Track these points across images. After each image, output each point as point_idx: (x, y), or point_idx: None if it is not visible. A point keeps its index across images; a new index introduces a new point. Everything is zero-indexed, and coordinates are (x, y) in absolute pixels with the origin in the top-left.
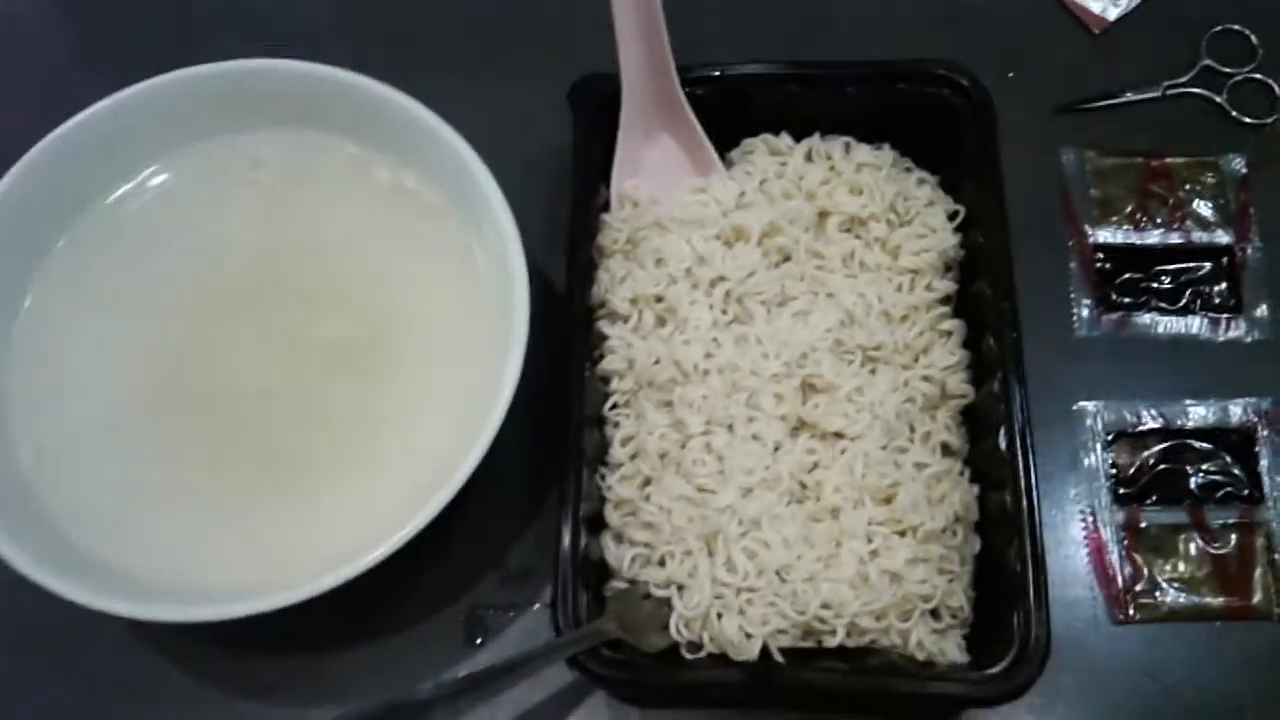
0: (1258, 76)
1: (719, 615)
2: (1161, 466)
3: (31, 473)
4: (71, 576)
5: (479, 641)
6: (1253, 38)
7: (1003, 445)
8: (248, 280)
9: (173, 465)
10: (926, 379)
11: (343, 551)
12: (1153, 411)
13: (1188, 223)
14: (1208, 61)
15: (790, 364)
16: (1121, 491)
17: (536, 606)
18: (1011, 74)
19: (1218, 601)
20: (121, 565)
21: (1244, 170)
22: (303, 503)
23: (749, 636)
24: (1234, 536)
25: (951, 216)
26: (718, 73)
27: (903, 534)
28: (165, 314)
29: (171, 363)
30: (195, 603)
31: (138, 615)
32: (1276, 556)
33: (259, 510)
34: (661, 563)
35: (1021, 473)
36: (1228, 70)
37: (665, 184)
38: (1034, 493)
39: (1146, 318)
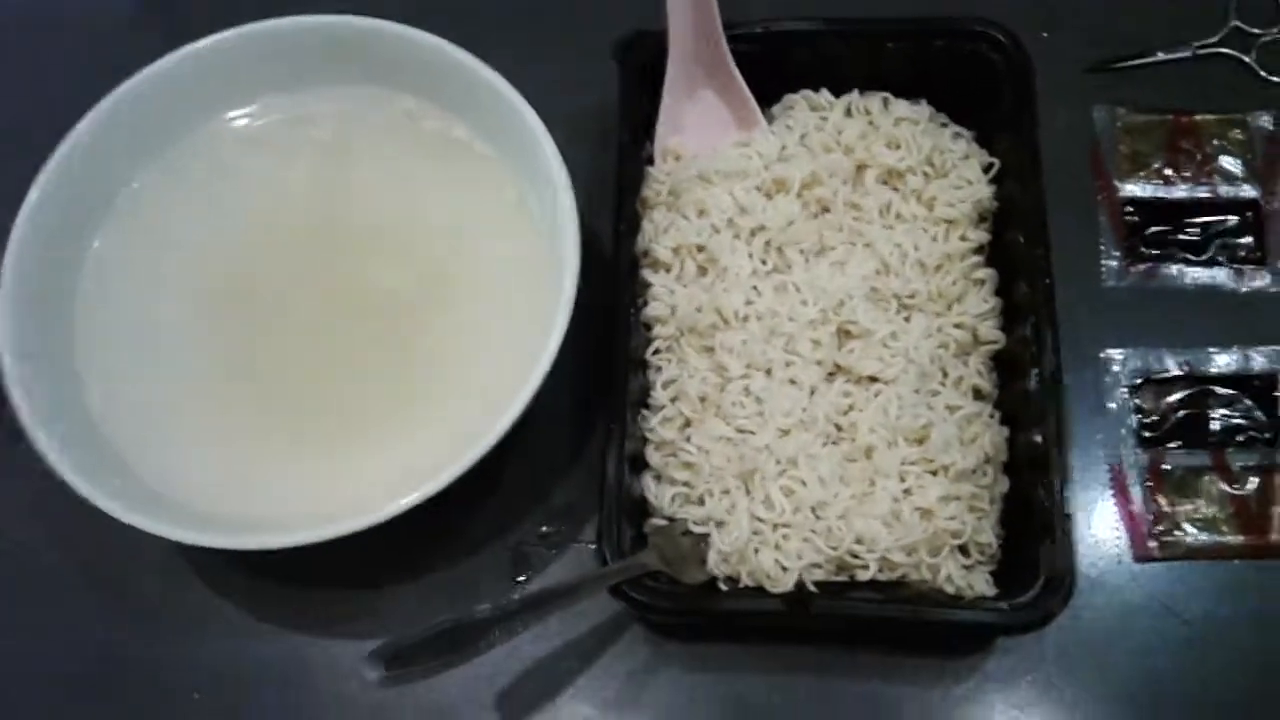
0: None
1: (756, 550)
2: (1185, 411)
3: (99, 411)
4: (138, 506)
5: (523, 579)
6: None
7: (1032, 387)
8: (307, 231)
9: (232, 403)
10: (959, 325)
11: (393, 488)
12: (1177, 359)
13: (1214, 177)
14: (1236, 22)
15: (827, 311)
16: (1146, 435)
17: (579, 544)
18: (1046, 34)
19: (1238, 540)
20: (185, 499)
21: (1271, 127)
22: (356, 441)
23: (784, 570)
24: (1255, 478)
25: (986, 169)
26: (760, 29)
27: (934, 473)
28: (228, 258)
29: (232, 308)
30: (254, 532)
31: (202, 542)
32: None
33: (314, 447)
34: (701, 501)
35: (1051, 414)
36: (1256, 31)
37: (708, 139)
38: (1063, 434)
39: (1173, 269)
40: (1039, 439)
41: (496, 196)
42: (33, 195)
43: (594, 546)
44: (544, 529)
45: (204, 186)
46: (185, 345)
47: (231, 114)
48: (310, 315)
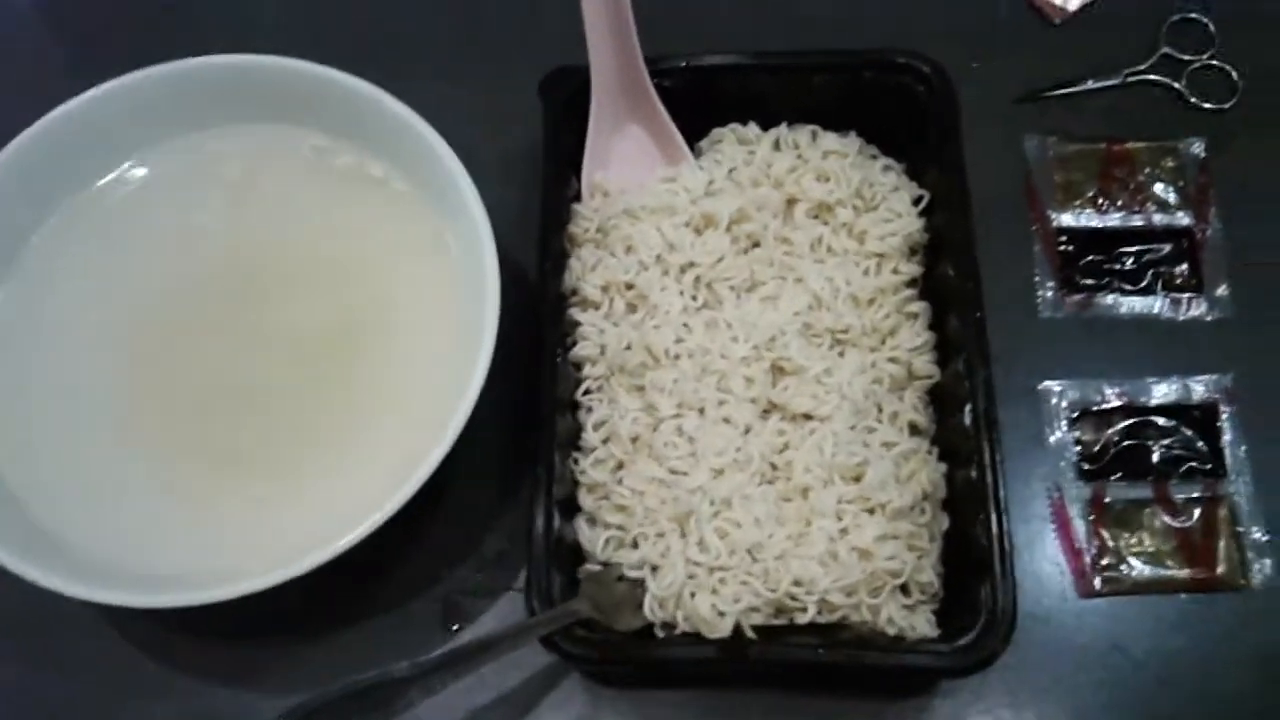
0: (1215, 63)
1: (692, 594)
2: (1126, 443)
3: (10, 477)
4: (46, 563)
5: (456, 628)
6: (1210, 25)
7: (968, 423)
8: (220, 273)
9: (147, 455)
10: (893, 360)
11: (316, 539)
12: (1116, 389)
13: (1148, 205)
14: (1166, 49)
15: (760, 347)
16: (1086, 468)
17: (512, 591)
18: (976, 64)
19: (1183, 573)
20: (96, 554)
21: (1203, 154)
22: (276, 490)
23: (722, 615)
24: (1198, 510)
25: (916, 201)
26: (685, 63)
27: (871, 511)
28: (138, 307)
29: (144, 355)
30: (169, 589)
31: (112, 601)
32: (1239, 529)
33: (233, 498)
34: (635, 544)
35: (986, 448)
36: (1186, 57)
37: (635, 174)
38: (998, 468)
39: (1109, 298)
40: (976, 475)
41: (414, 233)
42: None
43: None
44: (477, 576)
45: (109, 235)
46: (96, 398)
47: (133, 159)
48: (227, 361)
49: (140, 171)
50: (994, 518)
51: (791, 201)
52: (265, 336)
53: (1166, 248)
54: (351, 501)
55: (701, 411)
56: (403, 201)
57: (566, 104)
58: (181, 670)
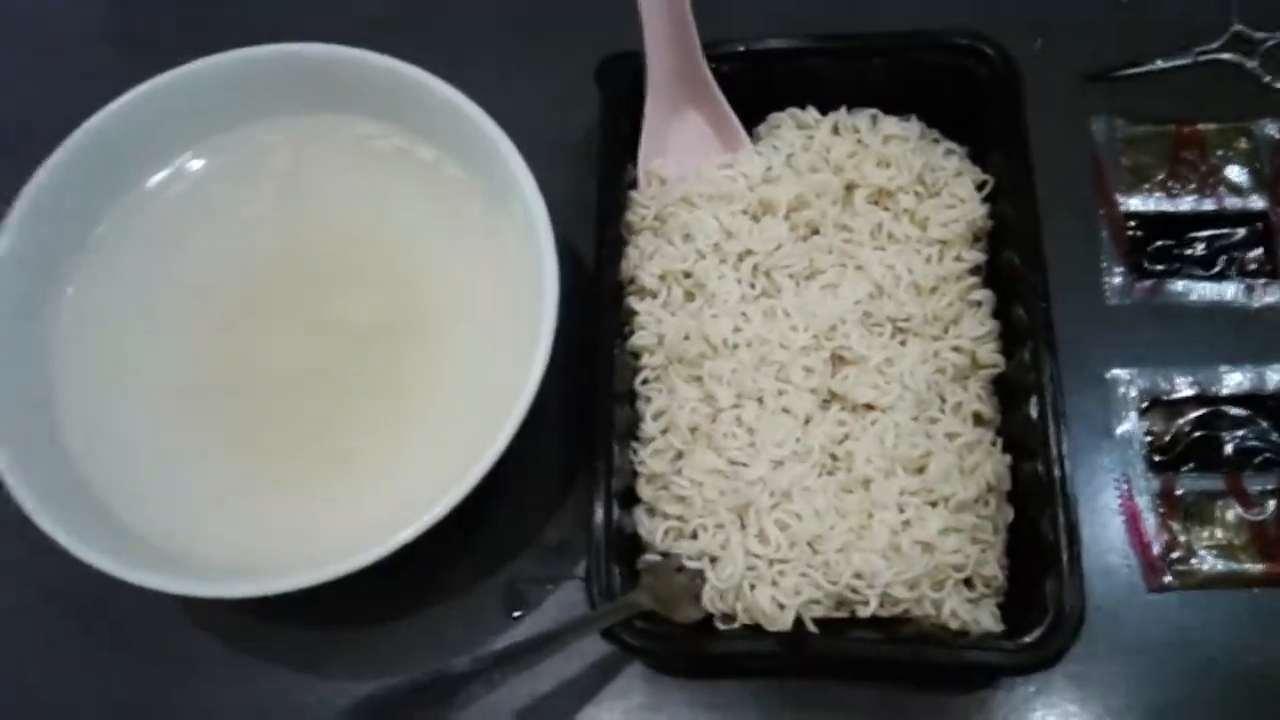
0: None
1: (751, 586)
2: (1197, 433)
3: (83, 461)
4: (125, 558)
5: (517, 615)
6: None
7: (1034, 414)
8: (280, 264)
9: (216, 446)
10: (957, 349)
11: (382, 526)
12: (1188, 378)
13: (1220, 189)
14: (1239, 27)
15: (819, 336)
16: (1157, 459)
17: (573, 580)
18: (1040, 42)
19: (1257, 568)
20: (172, 545)
21: (1277, 135)
22: (343, 481)
23: (782, 607)
24: (1273, 502)
25: (979, 187)
26: (742, 48)
27: (935, 504)
28: (202, 298)
29: (210, 346)
30: (244, 579)
31: (190, 592)
32: None
33: (302, 488)
34: (694, 535)
35: (1053, 441)
36: (1259, 35)
37: (692, 160)
38: (1065, 461)
39: (1180, 284)
40: (1042, 467)
41: (472, 222)
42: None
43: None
44: (539, 565)
45: (170, 227)
46: (165, 388)
47: (190, 152)
48: (290, 352)
49: (197, 164)
50: (1061, 512)
51: (851, 187)
52: (328, 328)
53: (1240, 232)
54: (414, 492)
55: (760, 401)
56: (455, 185)
57: (623, 90)
58: (250, 656)
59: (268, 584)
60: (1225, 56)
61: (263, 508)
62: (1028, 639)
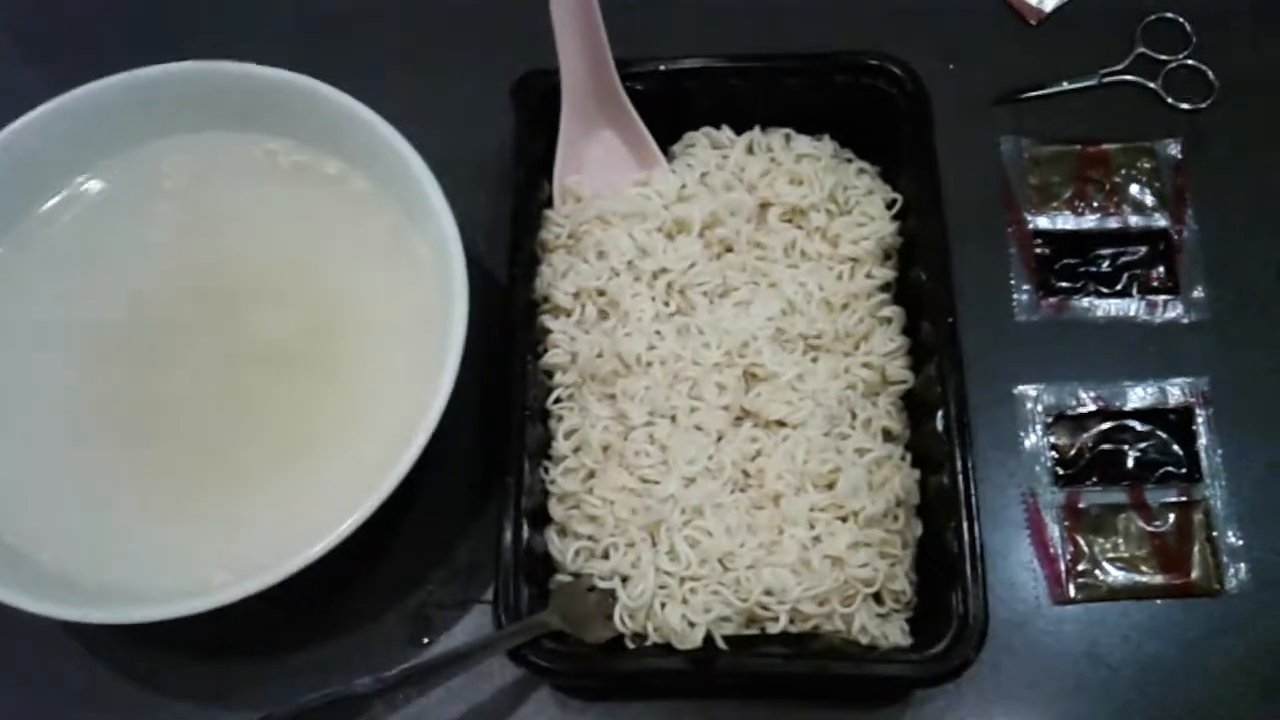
0: (1191, 63)
1: (662, 605)
2: (1101, 447)
3: None
4: (14, 583)
5: (426, 641)
6: (1186, 25)
7: (940, 428)
8: (183, 285)
9: (111, 470)
10: (867, 365)
11: (282, 552)
12: (1092, 394)
13: (1124, 207)
14: (1142, 49)
15: (732, 353)
16: (1061, 473)
17: (483, 604)
18: (951, 65)
19: (1158, 579)
20: (63, 571)
21: (1179, 155)
22: (241, 503)
23: (692, 625)
24: (1173, 515)
25: (890, 205)
26: (658, 67)
27: (844, 519)
28: (102, 320)
29: (108, 369)
30: (133, 604)
31: (74, 617)
32: (1214, 534)
33: (198, 511)
34: (605, 555)
35: (959, 454)
36: (1162, 57)
37: (607, 178)
38: (971, 474)
39: (1085, 301)
40: (948, 481)
41: (378, 234)
42: None
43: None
44: (447, 589)
45: (68, 250)
46: (59, 415)
47: (85, 174)
48: (192, 372)
49: (93, 186)
50: (965, 524)
51: (764, 206)
52: (230, 346)
53: (1143, 250)
54: (318, 514)
55: (673, 419)
56: (364, 201)
57: (538, 107)
58: (142, 687)
59: (160, 609)
60: (1130, 78)
61: (159, 532)
62: (932, 651)
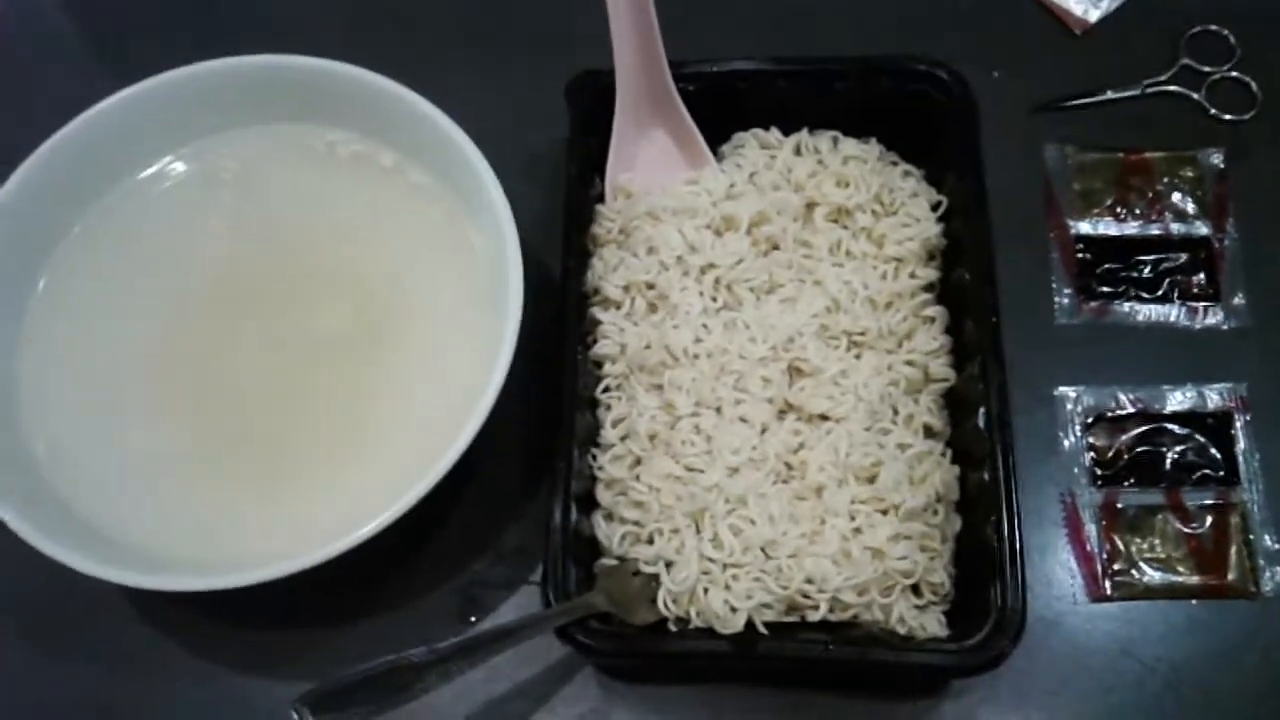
0: (1235, 75)
1: (705, 590)
2: (1139, 449)
3: (45, 463)
4: (89, 554)
5: (473, 620)
6: (1231, 37)
7: (982, 426)
8: (245, 270)
9: (179, 449)
10: (909, 363)
11: (338, 529)
12: (1131, 396)
13: (1166, 215)
14: (1186, 61)
15: (777, 348)
16: (1100, 473)
17: (530, 585)
18: (996, 73)
19: (1194, 580)
20: (131, 542)
21: (1221, 165)
22: (302, 485)
23: (734, 610)
24: (1210, 517)
25: (935, 207)
26: (710, 69)
27: (885, 512)
28: (168, 302)
29: (176, 352)
30: (195, 573)
31: (146, 585)
32: (1251, 536)
33: (258, 487)
34: (650, 540)
35: (999, 450)
36: (1206, 69)
37: (658, 176)
38: (1011, 469)
39: (1126, 306)
40: (989, 476)
41: (438, 229)
42: None
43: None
44: (495, 570)
45: (141, 232)
46: (128, 388)
47: (167, 158)
48: (252, 357)
49: (168, 172)
50: (1005, 519)
51: (811, 205)
52: (292, 331)
53: (1183, 257)
54: (372, 495)
55: (719, 410)
56: (421, 193)
57: (592, 106)
58: (201, 655)
59: (220, 579)
60: (1173, 89)
61: (222, 509)
62: (970, 641)
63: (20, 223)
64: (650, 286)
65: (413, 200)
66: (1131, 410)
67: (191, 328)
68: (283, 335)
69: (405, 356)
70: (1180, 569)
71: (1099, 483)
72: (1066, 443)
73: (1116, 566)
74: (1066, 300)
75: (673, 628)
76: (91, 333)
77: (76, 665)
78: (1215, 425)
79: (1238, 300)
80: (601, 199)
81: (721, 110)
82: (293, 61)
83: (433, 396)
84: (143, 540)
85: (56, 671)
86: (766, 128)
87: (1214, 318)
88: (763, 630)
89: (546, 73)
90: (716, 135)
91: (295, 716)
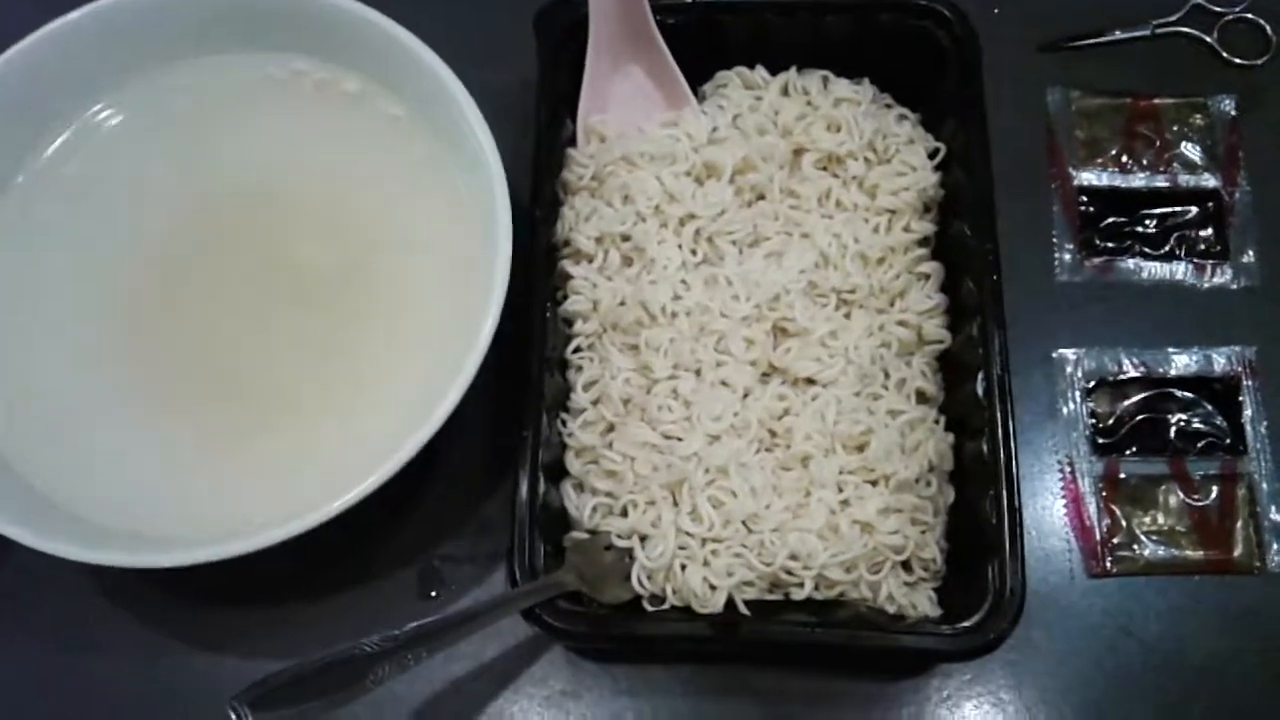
0: (1249, 16)
1: (683, 566)
2: (1142, 416)
3: (4, 439)
4: (35, 525)
5: (434, 595)
6: None
7: (979, 392)
8: (217, 212)
9: (145, 411)
10: (902, 323)
11: (310, 500)
12: (1134, 359)
13: (1174, 165)
14: (1198, 0)
15: (761, 307)
16: (1100, 441)
17: (494, 559)
18: (997, 9)
19: (1197, 555)
20: (87, 514)
21: (1233, 112)
22: (274, 446)
23: (713, 588)
24: (1215, 488)
25: (932, 155)
26: (691, 0)
27: (874, 483)
28: (131, 254)
29: (141, 301)
30: (155, 549)
31: (94, 560)
32: (1258, 509)
33: (233, 453)
34: (624, 512)
35: (999, 420)
36: (1218, 9)
37: (634, 118)
38: (1011, 441)
39: (1130, 263)
40: (987, 447)
41: (412, 159)
42: None
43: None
44: (459, 543)
45: (96, 177)
46: (85, 348)
47: (108, 98)
48: (226, 306)
49: (117, 110)
50: (1005, 493)
51: (799, 152)
52: (264, 280)
53: (1192, 211)
54: (330, 469)
55: (698, 373)
56: (397, 124)
57: (563, 40)
58: (158, 633)
59: (176, 555)
60: (1184, 30)
61: (184, 473)
62: (966, 623)
63: None
64: (625, 238)
65: (389, 134)
66: (1135, 374)
67: (161, 277)
68: (257, 284)
69: (386, 305)
70: (1183, 543)
71: (1099, 451)
72: (1065, 408)
73: (1116, 540)
74: (1068, 256)
75: (648, 606)
76: (46, 296)
77: (25, 643)
78: (1222, 391)
79: (1247, 258)
80: (573, 142)
81: (703, 46)
82: None
83: (418, 347)
84: (99, 515)
85: (12, 646)
86: (752, 66)
87: (1222, 276)
88: (744, 609)
89: (514, 3)
90: (698, 74)
91: (234, 716)
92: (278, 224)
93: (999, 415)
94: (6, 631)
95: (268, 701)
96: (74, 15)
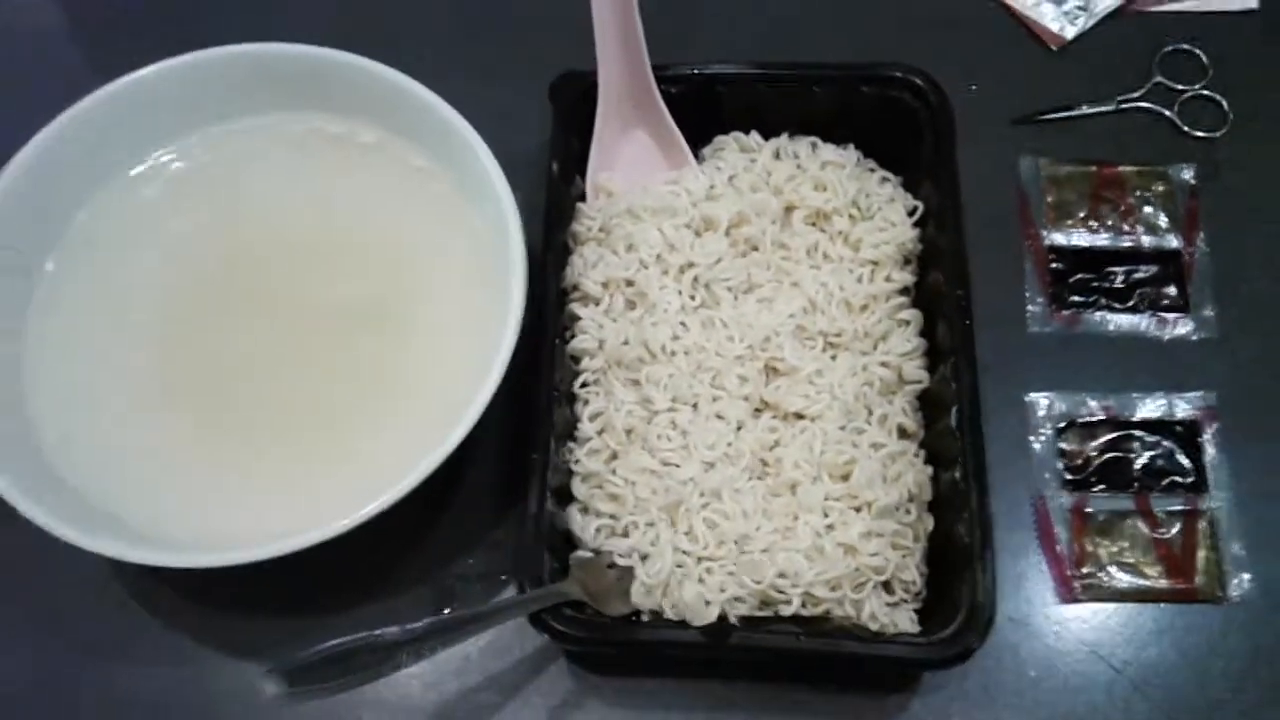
0: (1207, 93)
1: (680, 583)
2: (1109, 455)
3: (57, 454)
4: (60, 512)
5: (448, 612)
6: (1203, 57)
7: (954, 425)
8: (251, 256)
9: (185, 433)
10: (884, 364)
11: (318, 517)
12: (1101, 403)
13: (1138, 227)
14: (1160, 79)
15: (754, 347)
16: (1070, 478)
17: (504, 577)
18: (974, 86)
19: (1162, 584)
20: (128, 521)
21: (1193, 180)
22: (287, 467)
23: (707, 604)
24: (1178, 523)
25: (911, 212)
26: (692, 71)
27: (858, 509)
28: (175, 286)
29: (179, 332)
30: (182, 550)
31: (121, 556)
32: (1219, 542)
33: (242, 472)
34: (625, 533)
35: (970, 449)
36: (1179, 87)
37: (639, 176)
38: (982, 467)
39: (1097, 315)
40: (960, 474)
41: (433, 205)
42: None
43: None
44: (471, 562)
45: (145, 219)
46: (140, 378)
47: (162, 148)
48: (257, 339)
49: (171, 159)
50: (976, 516)
51: (790, 208)
52: (295, 315)
53: (1154, 269)
54: (359, 484)
55: (695, 407)
56: (425, 178)
57: (574, 107)
58: (177, 638)
59: (208, 557)
60: (1146, 105)
61: (218, 488)
62: (940, 634)
63: (22, 208)
64: (629, 284)
65: (411, 182)
66: (1102, 416)
67: (199, 310)
68: (288, 318)
69: (406, 339)
70: (1149, 573)
71: (1069, 487)
72: (1037, 447)
73: (1086, 569)
74: (1039, 309)
75: (646, 620)
76: (98, 328)
77: (49, 647)
78: (1184, 433)
79: (1207, 312)
80: (583, 197)
81: (703, 113)
82: (302, 51)
83: (435, 377)
84: (140, 518)
85: (27, 653)
86: (747, 131)
87: (1184, 328)
88: (734, 623)
89: (530, 73)
90: (697, 137)
91: (268, 685)
92: (308, 267)
93: (970, 446)
94: (24, 638)
95: (299, 675)
96: (126, 79)
